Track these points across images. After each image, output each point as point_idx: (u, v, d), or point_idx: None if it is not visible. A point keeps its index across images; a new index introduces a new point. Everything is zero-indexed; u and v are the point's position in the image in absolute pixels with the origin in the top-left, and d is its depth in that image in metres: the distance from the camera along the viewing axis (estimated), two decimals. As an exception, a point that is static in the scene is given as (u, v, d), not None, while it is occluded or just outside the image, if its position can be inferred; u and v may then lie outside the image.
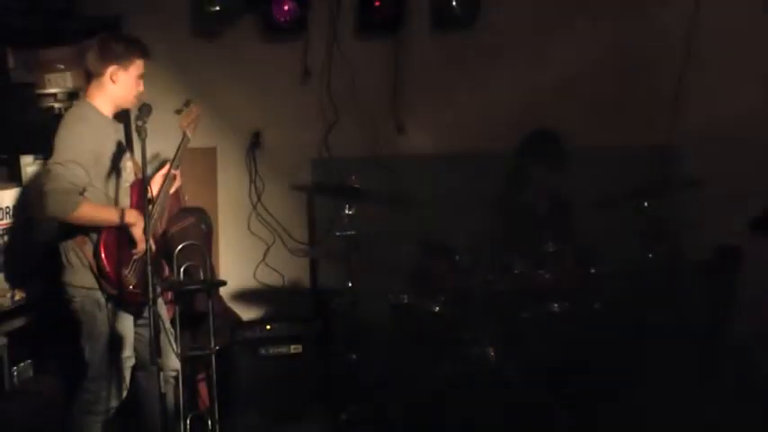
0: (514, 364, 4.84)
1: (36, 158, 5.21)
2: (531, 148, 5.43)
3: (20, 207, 5.05)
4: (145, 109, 4.12)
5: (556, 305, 4.97)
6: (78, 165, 4.17)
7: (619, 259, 5.25)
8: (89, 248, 4.31)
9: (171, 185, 4.64)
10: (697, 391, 4.81)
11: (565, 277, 5.00)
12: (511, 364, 4.83)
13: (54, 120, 5.28)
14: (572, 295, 4.96)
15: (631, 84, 5.93)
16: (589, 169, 5.58)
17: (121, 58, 4.37)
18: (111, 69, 4.36)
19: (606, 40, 5.91)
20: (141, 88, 4.47)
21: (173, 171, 4.63)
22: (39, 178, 4.98)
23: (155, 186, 4.57)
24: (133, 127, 4.45)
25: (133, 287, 4.34)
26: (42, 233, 4.85)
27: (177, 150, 4.67)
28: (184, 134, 4.70)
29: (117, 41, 4.42)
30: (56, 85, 5.57)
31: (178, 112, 4.76)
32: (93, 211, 4.24)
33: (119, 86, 4.39)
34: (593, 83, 5.89)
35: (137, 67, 4.42)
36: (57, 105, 5.55)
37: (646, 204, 5.09)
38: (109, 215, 4.30)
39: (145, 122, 4.00)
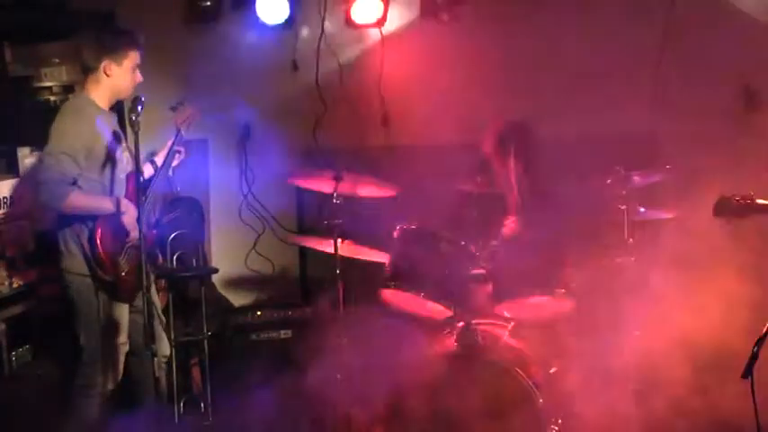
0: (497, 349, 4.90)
1: (33, 150, 5.28)
2: (499, 139, 5.41)
3: (18, 196, 5.14)
4: (137, 102, 4.15)
5: (537, 291, 5.05)
6: (69, 156, 4.26)
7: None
8: (85, 236, 4.39)
9: (173, 159, 4.76)
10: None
11: (543, 264, 5.06)
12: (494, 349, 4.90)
13: (50, 112, 5.40)
14: (550, 282, 5.05)
15: (610, 72, 6.01)
16: (569, 157, 5.69)
17: (114, 52, 4.44)
18: (104, 63, 4.43)
19: (586, 30, 6.01)
20: (139, 78, 4.55)
21: (176, 147, 4.75)
22: (33, 168, 5.09)
23: (159, 159, 4.74)
24: (126, 120, 4.53)
25: (126, 273, 4.42)
26: (40, 221, 4.95)
27: (173, 141, 4.78)
28: (179, 131, 4.80)
29: (108, 35, 4.51)
30: (51, 78, 5.66)
31: (173, 109, 4.85)
32: (84, 200, 4.34)
33: (114, 79, 4.47)
34: (573, 73, 5.98)
35: (130, 59, 4.49)
36: (52, 98, 5.64)
37: (624, 192, 5.16)
38: (100, 204, 4.39)
39: (138, 116, 4.07)
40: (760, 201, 3.88)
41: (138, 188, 4.28)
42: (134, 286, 4.40)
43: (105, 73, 4.45)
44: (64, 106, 4.57)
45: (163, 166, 4.70)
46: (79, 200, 4.32)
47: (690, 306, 4.72)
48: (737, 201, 3.88)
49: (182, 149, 4.81)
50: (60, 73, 5.70)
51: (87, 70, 4.51)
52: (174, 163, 4.80)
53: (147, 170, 4.79)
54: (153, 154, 4.94)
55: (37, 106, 5.58)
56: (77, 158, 4.30)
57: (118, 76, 4.48)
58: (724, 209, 3.98)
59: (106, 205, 4.39)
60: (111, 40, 4.48)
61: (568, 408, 4.53)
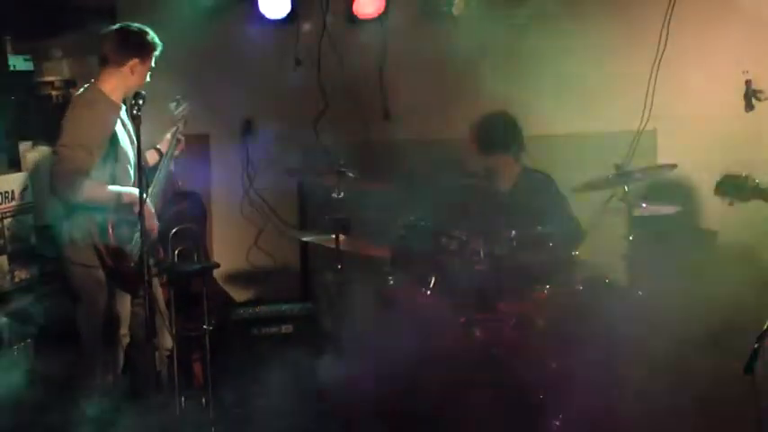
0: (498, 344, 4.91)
1: (34, 144, 5.31)
2: (487, 132, 5.38)
3: (26, 189, 5.18)
4: (139, 97, 4.22)
5: (538, 287, 5.06)
6: (84, 148, 4.32)
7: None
8: (94, 227, 4.44)
9: (177, 148, 4.87)
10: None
11: (547, 260, 5.05)
12: (495, 345, 4.90)
13: (51, 107, 5.44)
14: (555, 277, 5.05)
15: (610, 70, 6.00)
16: (570, 155, 5.71)
17: (143, 52, 4.55)
18: (132, 62, 4.54)
19: (585, 28, 6.00)
20: (148, 78, 4.66)
21: (178, 136, 4.86)
22: (46, 161, 5.11)
23: (163, 147, 4.86)
24: (128, 115, 4.57)
25: (135, 264, 4.47)
26: (43, 215, 4.96)
27: (173, 136, 4.88)
28: (177, 127, 4.89)
29: (140, 35, 4.59)
30: (53, 73, 5.67)
31: (172, 105, 4.94)
32: (98, 191, 4.40)
33: (136, 77, 4.57)
34: (573, 71, 5.95)
35: (152, 60, 4.62)
36: (54, 93, 5.64)
37: (626, 189, 5.15)
38: (113, 195, 4.44)
39: (139, 110, 4.14)
40: (763, 185, 3.87)
41: (142, 180, 4.31)
42: (141, 277, 4.40)
43: (131, 70, 4.54)
44: (76, 99, 4.61)
45: (167, 153, 4.80)
46: (93, 191, 4.37)
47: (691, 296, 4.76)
48: (742, 180, 3.86)
49: (182, 138, 4.90)
50: (62, 67, 5.70)
51: (106, 63, 4.56)
52: (176, 153, 4.87)
53: (153, 157, 4.90)
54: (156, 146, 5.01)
55: (38, 101, 5.58)
56: (92, 150, 4.36)
57: (140, 75, 4.58)
58: (727, 187, 3.96)
59: (117, 196, 4.44)
60: (141, 40, 4.58)
61: (569, 403, 4.54)
